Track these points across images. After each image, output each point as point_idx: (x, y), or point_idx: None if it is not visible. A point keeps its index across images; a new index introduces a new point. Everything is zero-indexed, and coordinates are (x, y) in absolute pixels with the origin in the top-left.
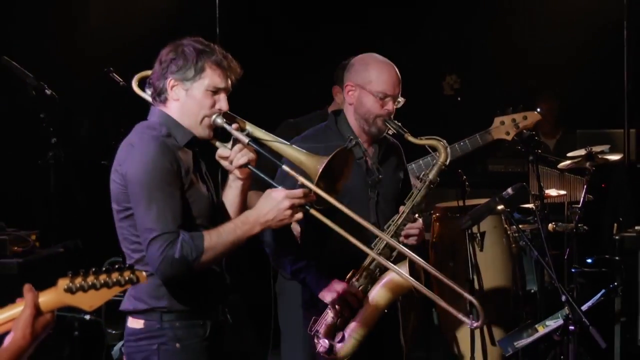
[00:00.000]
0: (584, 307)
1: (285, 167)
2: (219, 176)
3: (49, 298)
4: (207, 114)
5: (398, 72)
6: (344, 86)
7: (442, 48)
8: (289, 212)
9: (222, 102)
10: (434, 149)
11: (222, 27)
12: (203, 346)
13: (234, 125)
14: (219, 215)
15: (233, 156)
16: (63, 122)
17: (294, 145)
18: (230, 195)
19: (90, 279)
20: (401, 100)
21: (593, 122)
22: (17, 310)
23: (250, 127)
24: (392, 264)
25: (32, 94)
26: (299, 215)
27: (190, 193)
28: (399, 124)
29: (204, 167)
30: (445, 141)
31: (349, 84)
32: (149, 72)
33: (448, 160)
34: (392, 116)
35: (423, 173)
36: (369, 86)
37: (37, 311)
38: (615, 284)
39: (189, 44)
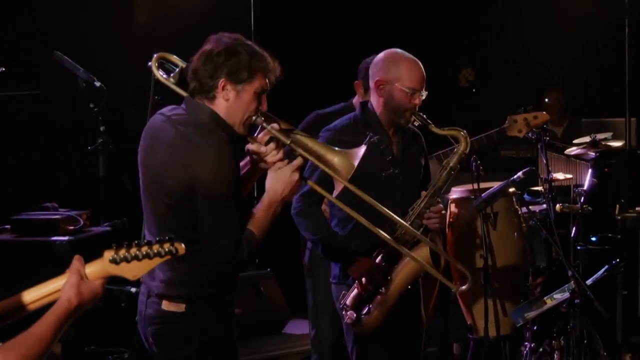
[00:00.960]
0: (589, 282)
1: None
2: None
3: (95, 268)
4: (251, 115)
5: (423, 68)
6: (374, 81)
7: (459, 43)
8: (296, 179)
9: (264, 104)
10: (455, 139)
11: (257, 23)
12: (233, 327)
13: (274, 126)
14: None
15: (268, 152)
16: (111, 112)
17: (327, 145)
18: (245, 178)
19: (133, 251)
20: (424, 93)
21: (597, 112)
22: (64, 280)
23: (288, 128)
24: (407, 250)
25: (82, 86)
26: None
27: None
28: (424, 115)
29: None
30: (465, 131)
31: (379, 80)
32: (166, 55)
33: (468, 149)
34: (417, 108)
35: (445, 161)
36: (399, 82)
37: (82, 278)
38: (617, 260)
39: (238, 44)
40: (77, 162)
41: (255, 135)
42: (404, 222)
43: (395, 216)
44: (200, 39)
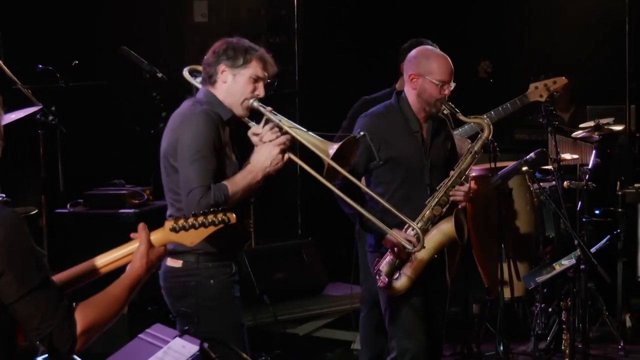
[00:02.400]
0: (593, 250)
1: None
2: None
3: (158, 236)
4: (247, 97)
5: (451, 62)
6: (407, 75)
7: (478, 38)
8: (280, 156)
9: (260, 89)
10: (480, 126)
11: (300, 21)
12: (230, 281)
13: (268, 108)
14: None
15: (264, 133)
16: (170, 99)
17: (310, 132)
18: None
19: (191, 221)
20: (452, 84)
21: (600, 99)
22: (134, 246)
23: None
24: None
25: (146, 77)
26: (287, 157)
27: (224, 160)
28: (453, 105)
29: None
30: (488, 119)
31: (413, 74)
32: (198, 67)
33: (490, 136)
34: (446, 98)
35: (470, 145)
36: (430, 76)
37: (150, 245)
38: (618, 231)
39: (239, 40)
40: (141, 144)
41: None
42: (413, 223)
43: (402, 215)
44: (248, 35)
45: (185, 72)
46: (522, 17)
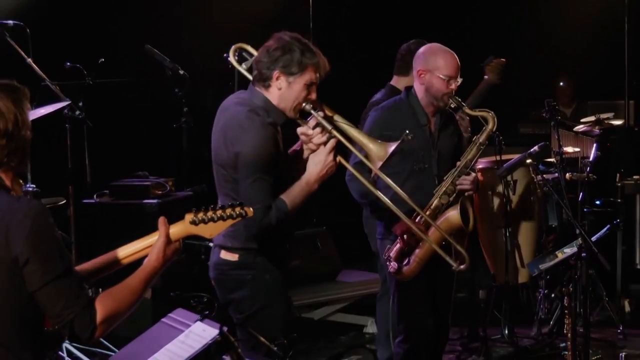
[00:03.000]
0: (594, 238)
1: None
2: None
3: (178, 229)
4: (300, 102)
5: (457, 58)
6: (416, 71)
7: (487, 37)
8: (333, 162)
9: (313, 94)
10: (484, 119)
11: (315, 22)
12: (282, 276)
13: (320, 113)
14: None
15: (314, 135)
16: (192, 95)
17: (368, 135)
18: (298, 157)
19: (210, 214)
20: (459, 80)
21: (601, 95)
22: (153, 239)
23: (332, 115)
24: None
25: (169, 74)
26: (338, 160)
27: (280, 166)
28: (459, 99)
29: None
30: (492, 112)
31: (421, 69)
32: (244, 45)
33: (495, 128)
34: (453, 92)
35: (475, 137)
36: (437, 71)
37: (168, 240)
38: (618, 220)
39: (294, 42)
40: (164, 137)
41: (308, 120)
42: (421, 211)
43: (413, 204)
44: (266, 35)
45: (231, 55)
46: (527, 17)
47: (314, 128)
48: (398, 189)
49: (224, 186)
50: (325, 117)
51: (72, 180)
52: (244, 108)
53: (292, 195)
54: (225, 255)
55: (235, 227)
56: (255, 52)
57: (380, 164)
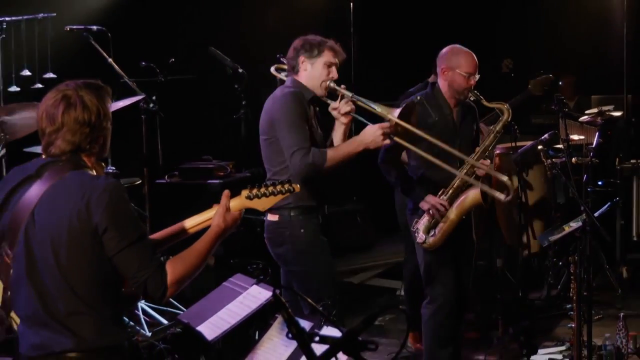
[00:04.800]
0: (596, 214)
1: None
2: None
3: (236, 202)
4: (324, 80)
5: (476, 58)
6: (440, 68)
7: (502, 39)
8: (381, 137)
9: (334, 73)
10: (500, 110)
11: (354, 23)
12: (318, 231)
13: (342, 86)
14: None
15: (340, 106)
16: (249, 90)
17: (377, 103)
18: (336, 137)
19: (262, 190)
20: (477, 76)
21: (603, 90)
22: (214, 212)
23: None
24: (473, 179)
25: (229, 72)
26: (387, 140)
27: (311, 129)
28: (478, 92)
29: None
30: (508, 105)
31: (444, 67)
32: (282, 65)
33: (509, 118)
34: (472, 87)
35: (492, 126)
36: (459, 69)
37: (228, 209)
38: (617, 199)
39: (311, 36)
40: (225, 126)
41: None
42: (468, 158)
43: (459, 153)
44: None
45: (272, 69)
46: (539, 21)
47: (339, 101)
48: (428, 156)
49: (267, 152)
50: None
51: (147, 163)
52: (279, 89)
53: (337, 148)
54: (270, 216)
55: None
56: (284, 66)
57: (396, 113)
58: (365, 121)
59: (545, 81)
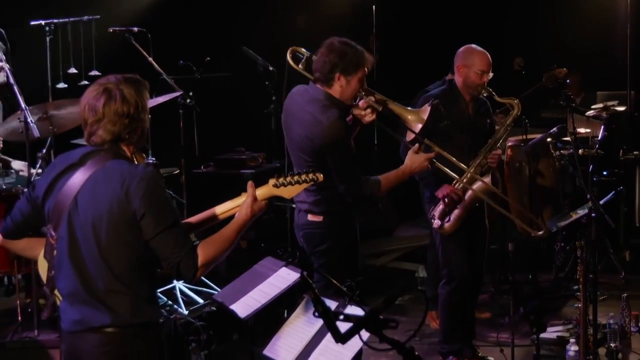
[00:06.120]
0: (601, 202)
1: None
2: None
3: (263, 190)
4: (356, 92)
5: (490, 57)
6: (456, 66)
7: (513, 39)
8: (426, 164)
9: (364, 84)
10: (511, 105)
11: (377, 25)
12: (354, 229)
13: (370, 98)
14: None
15: (367, 115)
16: (279, 87)
17: (408, 108)
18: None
19: (289, 179)
20: (491, 74)
21: (608, 86)
22: (243, 199)
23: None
24: (479, 177)
25: (260, 70)
26: (429, 168)
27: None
28: (490, 89)
29: None
30: (518, 100)
31: (460, 65)
32: (297, 48)
33: (519, 112)
34: (486, 84)
35: (503, 119)
36: (473, 67)
37: (254, 198)
38: (621, 187)
39: (345, 47)
40: (257, 120)
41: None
42: (467, 169)
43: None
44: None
45: (288, 55)
46: (548, 22)
47: (365, 109)
48: (443, 152)
49: (304, 167)
50: (376, 101)
51: (184, 155)
52: (315, 105)
53: (388, 177)
54: (312, 217)
55: (319, 197)
56: (306, 53)
57: (419, 126)
58: (391, 132)
59: (559, 74)
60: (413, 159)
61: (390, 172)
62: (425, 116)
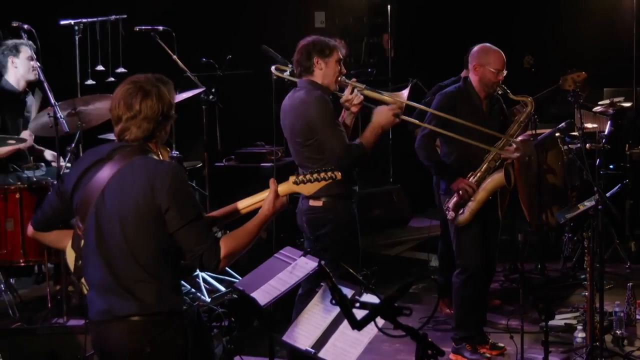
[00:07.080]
0: (608, 194)
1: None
2: None
3: (284, 187)
4: (337, 75)
5: (504, 55)
6: (472, 65)
7: (523, 37)
8: (392, 117)
9: (343, 68)
10: (525, 103)
11: (392, 25)
12: (354, 212)
13: (353, 80)
14: None
15: (353, 98)
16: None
17: (385, 92)
18: (346, 121)
19: (308, 176)
20: (505, 72)
21: (614, 83)
22: (265, 195)
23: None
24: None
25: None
26: (397, 120)
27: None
28: (505, 86)
29: None
30: (531, 97)
31: (476, 64)
32: (282, 67)
33: (533, 110)
34: (500, 82)
35: (517, 116)
36: (489, 66)
37: (277, 195)
38: (627, 181)
39: (317, 38)
40: (277, 115)
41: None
42: (492, 148)
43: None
44: (354, 37)
45: (273, 69)
46: (557, 21)
47: (351, 93)
48: (460, 137)
49: (300, 153)
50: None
51: (207, 149)
52: (301, 92)
53: (365, 136)
54: (312, 202)
55: None
56: (287, 68)
57: (405, 95)
58: (371, 105)
59: (577, 78)
60: (379, 113)
61: (365, 130)
62: (404, 95)
